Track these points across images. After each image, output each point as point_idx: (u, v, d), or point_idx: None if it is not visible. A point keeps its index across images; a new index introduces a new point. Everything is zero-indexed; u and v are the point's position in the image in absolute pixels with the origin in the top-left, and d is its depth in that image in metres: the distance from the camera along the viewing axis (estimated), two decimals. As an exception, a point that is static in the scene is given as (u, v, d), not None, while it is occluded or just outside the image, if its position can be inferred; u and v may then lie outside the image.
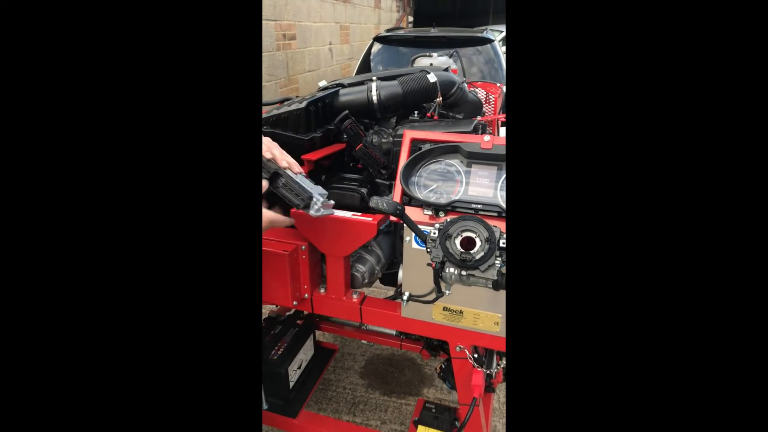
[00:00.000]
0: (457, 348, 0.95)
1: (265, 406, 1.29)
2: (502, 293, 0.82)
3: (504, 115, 1.73)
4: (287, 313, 1.49)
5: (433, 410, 1.25)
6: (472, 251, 0.73)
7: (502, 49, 5.12)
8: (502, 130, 1.75)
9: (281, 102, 1.27)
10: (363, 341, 1.55)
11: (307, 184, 0.81)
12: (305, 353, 1.40)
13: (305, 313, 1.52)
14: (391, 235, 1.15)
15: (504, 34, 7.07)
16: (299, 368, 1.36)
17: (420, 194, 0.87)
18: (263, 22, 3.60)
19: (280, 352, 1.29)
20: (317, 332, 1.54)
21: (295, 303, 1.00)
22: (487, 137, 0.88)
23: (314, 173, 1.07)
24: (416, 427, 1.21)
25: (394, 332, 1.47)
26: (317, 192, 0.80)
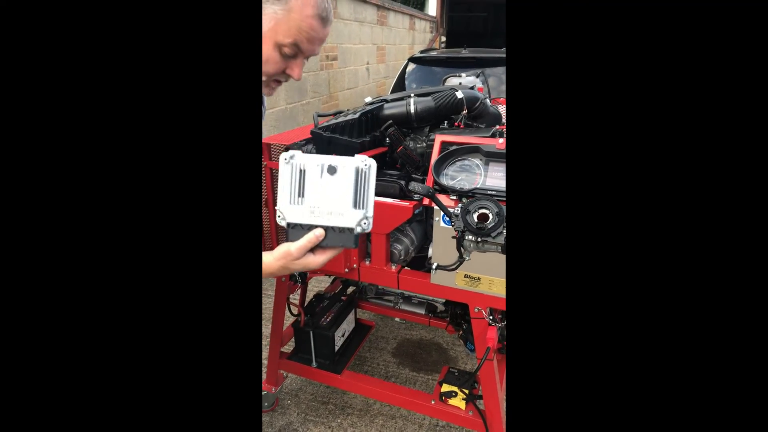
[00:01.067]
0: (476, 309, 1.18)
1: (314, 365, 1.54)
2: (511, 261, 1.05)
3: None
4: (333, 292, 1.75)
5: (456, 374, 1.47)
6: (486, 222, 0.97)
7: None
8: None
9: (334, 114, 1.56)
10: (396, 319, 1.78)
11: (341, 220, 0.73)
12: (348, 324, 1.65)
13: (348, 292, 1.78)
14: (422, 223, 1.40)
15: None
16: (343, 336, 1.61)
17: (448, 183, 1.12)
18: (310, 45, 3.98)
19: (328, 320, 1.54)
20: (357, 310, 1.79)
21: (346, 270, 1.26)
22: (501, 140, 1.12)
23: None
24: (441, 386, 1.43)
25: (423, 312, 1.70)
26: (353, 219, 0.73)
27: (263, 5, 0.82)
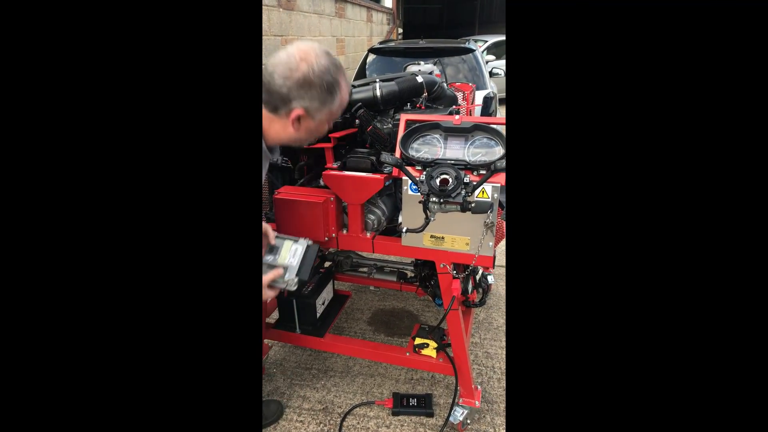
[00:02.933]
0: (441, 265, 1.36)
1: (298, 331, 1.68)
2: (471, 222, 1.23)
3: (474, 105, 2.16)
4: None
5: (426, 329, 1.66)
6: (447, 185, 1.14)
7: (487, 57, 5.52)
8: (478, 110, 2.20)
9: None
10: (371, 287, 1.94)
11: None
12: (327, 294, 1.79)
13: (326, 264, 1.92)
14: (392, 197, 1.57)
15: (488, 43, 7.58)
16: (323, 304, 1.76)
17: (413, 155, 1.28)
18: (272, 38, 4.03)
19: (309, 289, 1.68)
20: (335, 282, 1.94)
21: (326, 239, 1.41)
22: (457, 117, 1.30)
23: (337, 149, 1.49)
24: (414, 340, 1.61)
25: (395, 279, 1.87)
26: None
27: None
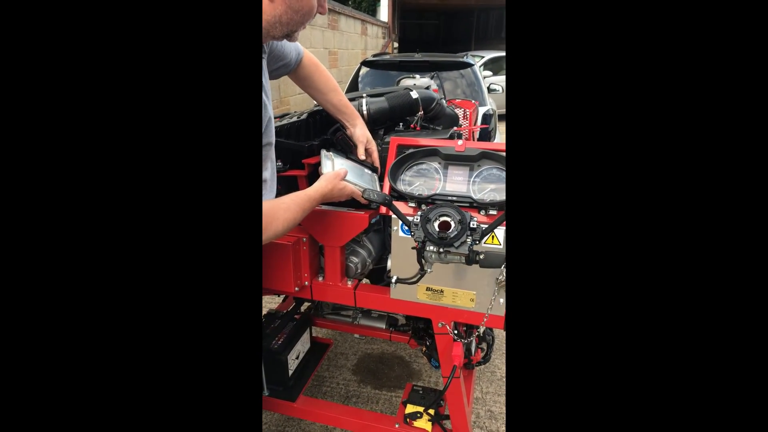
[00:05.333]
0: (440, 324, 1.09)
1: (266, 393, 1.40)
2: (477, 273, 0.97)
3: (478, 126, 1.92)
4: (286, 310, 1.61)
5: (420, 392, 1.38)
6: (447, 231, 0.88)
7: (484, 73, 5.35)
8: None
9: (279, 117, 1.43)
10: (355, 335, 1.67)
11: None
12: (302, 345, 1.51)
13: (302, 309, 1.65)
14: (380, 232, 1.30)
15: (484, 59, 7.43)
16: (297, 358, 1.48)
17: (405, 190, 1.02)
18: (257, 47, 3.82)
19: (280, 342, 1.40)
20: (313, 328, 1.66)
21: (296, 289, 1.14)
22: (460, 142, 1.04)
23: (312, 176, 1.23)
24: (405, 407, 1.33)
25: (384, 326, 1.60)
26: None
27: None
